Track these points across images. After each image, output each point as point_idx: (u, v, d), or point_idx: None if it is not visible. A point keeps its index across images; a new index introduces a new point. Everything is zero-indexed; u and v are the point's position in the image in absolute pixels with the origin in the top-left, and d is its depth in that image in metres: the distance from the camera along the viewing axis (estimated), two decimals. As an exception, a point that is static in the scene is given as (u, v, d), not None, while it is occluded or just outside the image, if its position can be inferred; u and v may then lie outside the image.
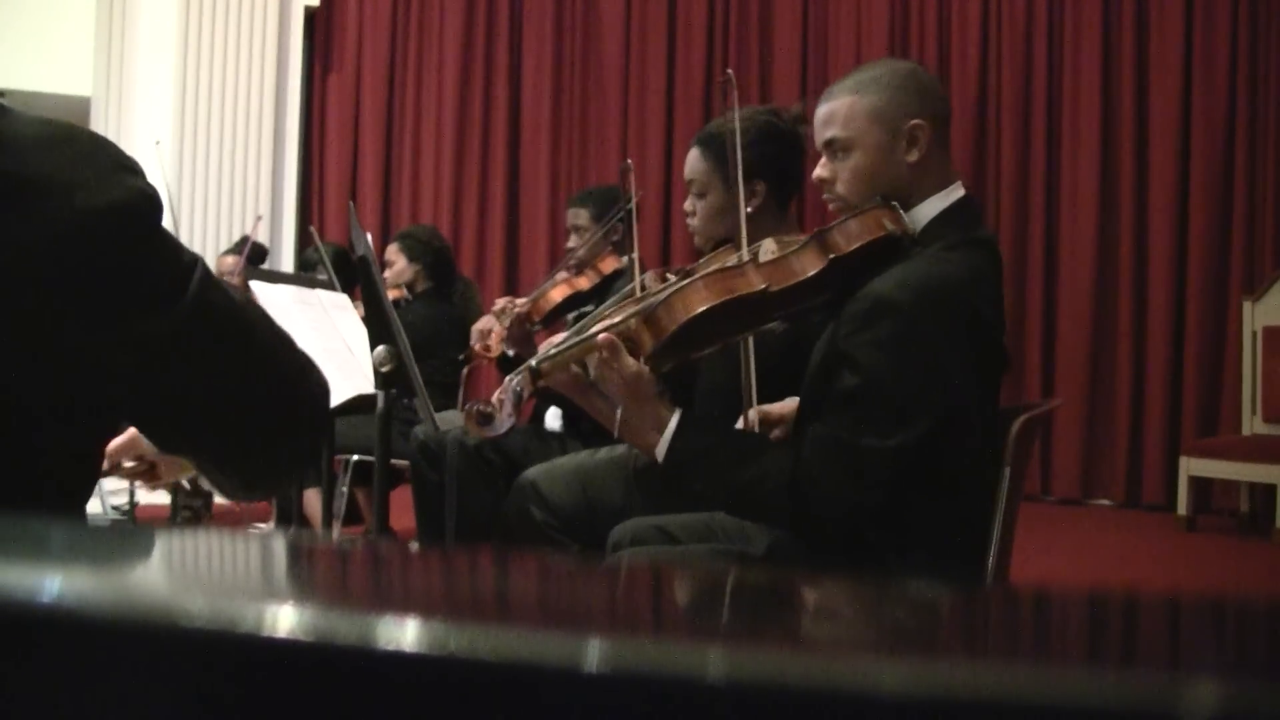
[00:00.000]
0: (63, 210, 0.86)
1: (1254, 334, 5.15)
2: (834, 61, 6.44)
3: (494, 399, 1.76)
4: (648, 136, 6.58)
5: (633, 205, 2.65)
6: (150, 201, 0.92)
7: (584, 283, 3.25)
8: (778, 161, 2.25)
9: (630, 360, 1.64)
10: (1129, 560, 4.58)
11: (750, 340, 1.96)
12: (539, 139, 6.71)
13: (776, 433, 1.88)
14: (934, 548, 1.63)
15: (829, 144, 1.71)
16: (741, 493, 1.62)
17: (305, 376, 1.09)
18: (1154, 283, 5.79)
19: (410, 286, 4.26)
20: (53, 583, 0.32)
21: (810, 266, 1.64)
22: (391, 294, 4.26)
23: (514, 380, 1.76)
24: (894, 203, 1.66)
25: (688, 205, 2.40)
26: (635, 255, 2.57)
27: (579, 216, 3.33)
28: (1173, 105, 5.78)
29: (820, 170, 1.73)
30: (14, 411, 0.90)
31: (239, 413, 1.01)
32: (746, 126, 2.16)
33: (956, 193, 1.70)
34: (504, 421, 1.75)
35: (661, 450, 1.66)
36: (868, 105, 1.67)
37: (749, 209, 2.13)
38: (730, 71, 2.12)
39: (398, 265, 4.25)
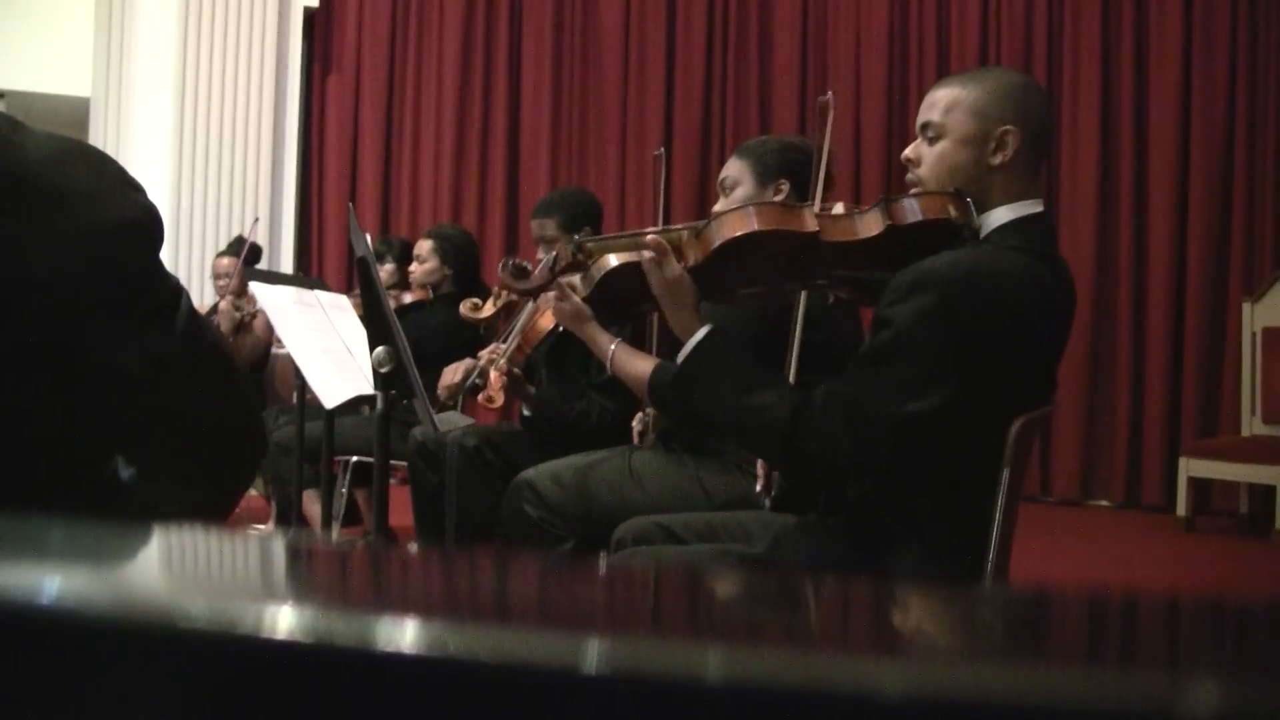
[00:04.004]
0: (80, 223, 0.88)
1: (1254, 335, 5.15)
2: (833, 61, 6.44)
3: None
4: (647, 137, 6.58)
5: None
6: (155, 220, 0.95)
7: None
8: (801, 168, 2.36)
9: (675, 264, 1.73)
10: (1128, 561, 4.58)
11: (801, 303, 2.10)
12: (539, 139, 6.71)
13: None
14: (934, 546, 1.63)
15: (924, 127, 1.74)
16: (740, 416, 1.65)
17: (255, 406, 1.14)
18: (1153, 283, 5.79)
19: (435, 287, 4.22)
20: (52, 583, 0.32)
21: (868, 229, 1.69)
22: (416, 294, 4.24)
23: (556, 251, 1.92)
24: (966, 197, 1.69)
25: (716, 207, 2.45)
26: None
27: (545, 227, 3.13)
28: (1172, 105, 5.78)
29: (909, 150, 1.77)
30: (23, 421, 0.90)
31: (215, 434, 1.05)
32: (773, 140, 2.46)
33: (1033, 208, 1.70)
34: (536, 279, 1.95)
35: (681, 357, 1.73)
36: (969, 99, 1.70)
37: (775, 200, 2.23)
38: (830, 94, 2.25)
39: (429, 264, 4.15)
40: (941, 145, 1.71)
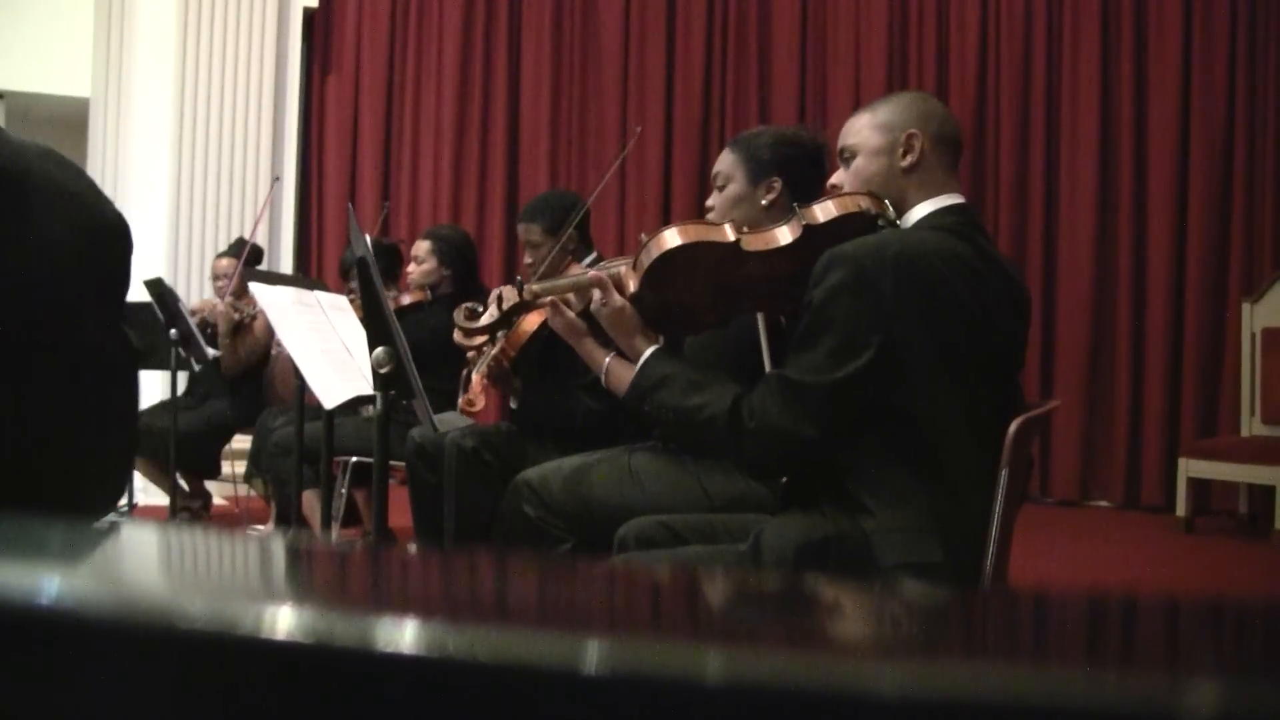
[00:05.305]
0: (77, 220, 0.92)
1: (1253, 335, 5.15)
2: (833, 60, 6.44)
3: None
4: (647, 137, 6.58)
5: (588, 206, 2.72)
6: (128, 228, 1.01)
7: None
8: (795, 163, 2.32)
9: (617, 297, 1.87)
10: (1128, 562, 4.58)
11: (762, 327, 2.16)
12: (538, 139, 6.71)
13: None
14: (907, 532, 1.63)
15: (841, 153, 1.88)
16: (687, 415, 1.75)
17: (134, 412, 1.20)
18: (1153, 284, 5.79)
19: (433, 288, 4.21)
20: (52, 583, 0.32)
21: (785, 236, 1.81)
22: (414, 295, 4.23)
23: (502, 290, 2.14)
24: (883, 198, 1.80)
25: (710, 201, 2.43)
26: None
27: (531, 232, 3.14)
28: (1172, 106, 5.78)
29: (833, 178, 1.90)
30: (21, 406, 0.91)
31: (111, 427, 1.10)
32: (768, 132, 2.43)
33: (951, 199, 1.79)
34: (486, 319, 2.18)
35: (633, 377, 1.85)
36: (874, 119, 1.84)
37: (764, 203, 2.24)
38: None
39: (426, 265, 4.14)
40: (856, 162, 1.84)
